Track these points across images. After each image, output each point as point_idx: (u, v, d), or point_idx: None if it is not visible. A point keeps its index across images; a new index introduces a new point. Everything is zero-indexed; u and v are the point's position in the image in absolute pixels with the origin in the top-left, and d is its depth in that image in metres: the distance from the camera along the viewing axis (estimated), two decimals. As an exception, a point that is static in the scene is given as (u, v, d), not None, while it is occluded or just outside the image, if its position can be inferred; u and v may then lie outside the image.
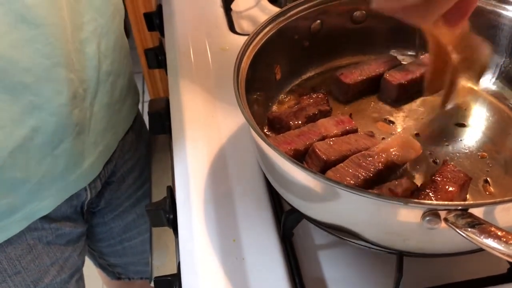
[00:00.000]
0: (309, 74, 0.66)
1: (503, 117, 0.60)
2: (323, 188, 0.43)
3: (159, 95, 1.79)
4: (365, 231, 0.44)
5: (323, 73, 0.66)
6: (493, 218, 0.39)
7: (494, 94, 0.62)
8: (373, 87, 0.63)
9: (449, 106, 0.58)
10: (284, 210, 0.56)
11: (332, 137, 0.54)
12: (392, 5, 0.42)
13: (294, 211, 0.50)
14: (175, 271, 0.59)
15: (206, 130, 0.65)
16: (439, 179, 0.47)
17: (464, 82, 0.62)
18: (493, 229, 0.35)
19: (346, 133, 0.55)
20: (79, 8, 0.59)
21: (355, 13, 0.65)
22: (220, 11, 0.87)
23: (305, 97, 0.60)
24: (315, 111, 0.58)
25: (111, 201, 0.83)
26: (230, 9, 0.88)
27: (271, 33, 0.58)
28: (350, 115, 0.59)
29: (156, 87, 1.79)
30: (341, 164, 0.50)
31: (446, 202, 0.38)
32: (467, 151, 0.55)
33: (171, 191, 0.64)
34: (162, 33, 0.89)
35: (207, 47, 0.79)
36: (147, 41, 1.65)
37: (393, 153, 0.51)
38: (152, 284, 0.59)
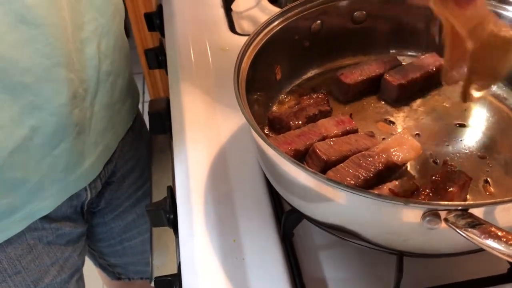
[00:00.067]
0: (309, 74, 0.66)
1: (503, 117, 0.60)
2: (323, 188, 0.43)
3: (159, 95, 1.79)
4: (366, 231, 0.44)
5: (323, 73, 0.66)
6: (493, 218, 0.39)
7: (494, 95, 0.62)
8: (374, 87, 0.63)
9: (468, 100, 0.58)
10: (284, 210, 0.56)
11: (332, 137, 0.54)
12: None
13: (294, 211, 0.50)
14: (175, 271, 0.59)
15: (207, 130, 0.65)
16: (439, 179, 0.47)
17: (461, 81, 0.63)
18: (493, 229, 0.35)
19: (346, 133, 0.55)
20: (79, 7, 0.59)
21: (355, 13, 0.65)
22: (221, 12, 0.87)
23: (305, 97, 0.60)
24: (315, 111, 0.58)
25: (111, 201, 0.83)
26: (231, 10, 0.88)
27: (272, 33, 0.58)
28: (351, 115, 0.59)
29: (156, 87, 1.79)
30: (342, 164, 0.50)
31: (446, 202, 0.38)
32: (467, 151, 0.55)
33: (171, 191, 0.64)
34: (162, 33, 0.89)
35: (208, 47, 0.79)
36: (147, 41, 1.65)
37: (394, 153, 0.51)
38: (152, 284, 0.59)
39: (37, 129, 0.56)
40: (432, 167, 0.54)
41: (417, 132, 0.58)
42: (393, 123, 0.60)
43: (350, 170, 0.49)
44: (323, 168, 0.51)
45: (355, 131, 0.56)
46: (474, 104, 0.61)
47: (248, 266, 0.51)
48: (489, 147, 0.55)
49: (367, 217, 0.43)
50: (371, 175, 0.49)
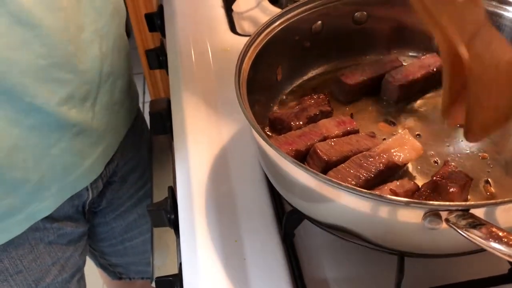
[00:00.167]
0: (310, 74, 0.66)
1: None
2: (324, 188, 0.43)
3: (160, 96, 1.79)
4: (366, 231, 0.44)
5: (324, 74, 0.66)
6: (494, 219, 0.39)
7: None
8: (374, 87, 0.63)
9: (473, 141, 0.49)
10: (286, 210, 0.56)
11: (333, 137, 0.54)
12: None
13: (295, 211, 0.50)
14: (176, 271, 0.59)
15: (207, 131, 0.65)
16: (440, 179, 0.47)
17: None
18: (494, 229, 0.35)
19: (347, 133, 0.55)
20: (81, 9, 0.59)
21: (356, 14, 0.65)
22: (221, 12, 0.87)
23: (306, 98, 0.60)
24: (316, 112, 0.58)
25: (113, 201, 0.83)
26: (231, 10, 0.88)
27: (272, 34, 0.58)
28: (351, 116, 0.59)
29: (157, 88, 1.79)
30: (342, 165, 0.50)
31: (447, 203, 0.38)
32: (468, 151, 0.55)
33: (172, 191, 0.64)
34: (163, 34, 0.89)
35: (208, 47, 0.79)
36: (148, 41, 1.65)
37: (394, 153, 0.51)
38: (153, 284, 0.59)
39: (34, 129, 0.56)
40: (433, 167, 0.54)
41: (418, 133, 0.58)
42: (394, 123, 0.60)
43: (351, 171, 0.49)
44: (324, 168, 0.51)
45: (356, 132, 0.56)
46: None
47: (249, 266, 0.51)
48: (489, 148, 0.55)
49: (368, 218, 0.43)
50: (372, 175, 0.49)
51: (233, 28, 0.83)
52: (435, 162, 0.54)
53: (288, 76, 0.64)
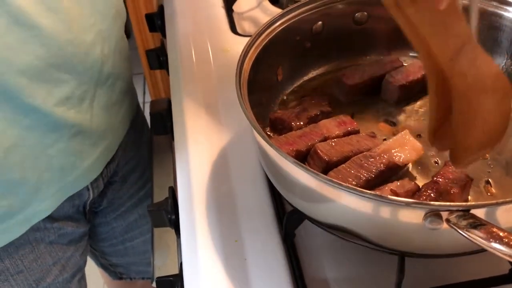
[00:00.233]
0: (311, 75, 0.66)
1: (504, 118, 0.60)
2: (325, 188, 0.43)
3: (160, 96, 1.79)
4: (367, 231, 0.45)
5: (325, 74, 0.66)
6: (494, 219, 0.39)
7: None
8: (375, 88, 0.63)
9: (461, 166, 0.45)
10: (286, 211, 0.56)
11: (334, 138, 0.54)
12: None
13: (296, 211, 0.50)
14: (176, 272, 0.59)
15: (208, 131, 0.65)
16: (440, 180, 0.48)
17: None
18: (495, 229, 0.35)
19: (348, 134, 0.55)
20: (82, 10, 0.59)
21: (356, 14, 0.65)
22: (222, 12, 0.87)
23: (307, 98, 0.60)
24: (317, 112, 0.58)
25: (113, 201, 0.83)
26: (232, 10, 0.88)
27: (273, 34, 0.58)
28: (352, 116, 0.59)
29: (157, 88, 1.79)
30: (343, 165, 0.50)
31: (448, 203, 0.38)
32: (468, 152, 0.55)
33: (172, 191, 0.65)
34: (163, 34, 0.89)
35: (209, 48, 0.79)
36: (148, 41, 1.65)
37: (395, 154, 0.51)
38: (154, 284, 0.59)
39: (31, 129, 0.56)
40: (434, 167, 0.54)
41: (419, 133, 0.58)
42: (394, 124, 0.60)
43: (352, 171, 0.49)
44: (325, 168, 0.51)
45: (356, 132, 0.56)
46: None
47: (250, 267, 0.51)
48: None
49: (369, 218, 0.43)
50: (373, 175, 0.49)
51: (233, 28, 0.83)
52: (436, 162, 0.54)
53: (288, 76, 0.64)
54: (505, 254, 0.34)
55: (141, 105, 0.89)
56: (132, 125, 0.79)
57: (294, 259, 0.52)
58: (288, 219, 0.51)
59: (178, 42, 0.81)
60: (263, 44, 0.57)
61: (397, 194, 0.47)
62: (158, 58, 0.88)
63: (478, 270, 0.50)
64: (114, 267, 0.97)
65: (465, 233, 0.36)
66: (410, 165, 0.53)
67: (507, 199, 0.38)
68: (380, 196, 0.40)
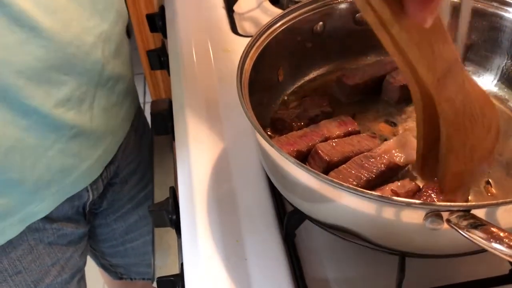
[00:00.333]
0: (311, 75, 0.66)
1: (505, 118, 0.60)
2: (325, 189, 0.43)
3: (161, 96, 1.79)
4: (368, 231, 0.45)
5: (325, 75, 0.66)
6: (495, 219, 0.39)
7: (495, 96, 0.62)
8: (376, 88, 0.63)
9: (450, 196, 0.43)
10: (287, 211, 0.56)
11: (334, 138, 0.54)
12: None
13: (296, 211, 0.50)
14: (177, 272, 0.59)
15: (209, 131, 0.65)
16: (441, 180, 0.48)
17: None
18: (495, 230, 0.35)
19: (348, 134, 0.55)
20: (83, 12, 0.59)
21: (357, 15, 0.65)
22: (222, 13, 0.87)
23: (307, 99, 0.60)
24: (317, 113, 0.58)
25: (114, 203, 0.83)
26: (232, 11, 0.88)
27: (274, 35, 0.58)
28: (353, 117, 0.59)
29: (157, 88, 1.79)
30: (344, 165, 0.50)
31: (448, 203, 0.38)
32: (469, 152, 0.55)
33: (173, 191, 0.65)
34: (164, 35, 0.89)
35: (210, 48, 0.79)
36: (149, 42, 1.65)
37: (395, 154, 0.51)
38: (154, 284, 0.59)
39: (30, 130, 0.56)
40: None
41: (419, 134, 0.58)
42: (395, 124, 0.60)
43: (352, 171, 0.49)
44: (326, 169, 0.51)
45: (357, 132, 0.56)
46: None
47: (251, 267, 0.51)
48: (490, 149, 0.56)
49: (369, 218, 0.43)
50: (373, 176, 0.49)
51: (234, 29, 0.83)
52: (436, 162, 0.54)
53: (289, 77, 0.64)
54: (506, 255, 0.34)
55: (142, 105, 0.89)
56: (133, 127, 0.79)
57: (294, 259, 0.52)
58: (289, 219, 0.52)
59: (179, 43, 0.81)
60: (264, 44, 0.57)
61: (397, 194, 0.47)
62: (159, 59, 0.88)
63: (479, 270, 0.50)
64: (115, 267, 0.97)
65: (465, 233, 0.36)
66: (410, 166, 0.54)
67: (508, 199, 0.38)
68: (381, 196, 0.40)
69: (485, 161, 0.43)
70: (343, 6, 0.63)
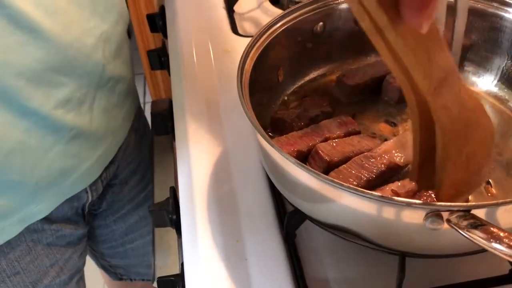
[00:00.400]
0: (311, 75, 0.66)
1: (505, 119, 0.60)
2: (326, 189, 0.43)
3: (161, 96, 1.79)
4: (368, 231, 0.45)
5: (325, 75, 0.66)
6: (495, 219, 0.39)
7: (496, 96, 0.62)
8: (376, 88, 0.63)
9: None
10: (287, 211, 0.56)
11: (335, 138, 0.54)
12: None
13: (297, 212, 0.50)
14: (177, 272, 0.59)
15: (209, 131, 0.65)
16: (441, 180, 0.48)
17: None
18: (495, 230, 0.35)
19: (348, 134, 0.55)
20: (83, 14, 0.59)
21: (357, 15, 0.65)
22: (223, 13, 0.87)
23: (308, 99, 0.60)
24: (317, 113, 0.58)
25: (113, 204, 0.83)
26: (233, 11, 0.88)
27: (274, 35, 0.58)
28: (353, 117, 0.59)
29: (158, 88, 1.79)
30: (344, 166, 0.50)
31: (448, 203, 0.38)
32: (469, 152, 0.55)
33: (174, 191, 0.65)
34: (165, 35, 0.90)
35: (210, 48, 0.79)
36: (149, 42, 1.65)
37: (396, 154, 0.51)
38: (155, 284, 0.59)
39: (30, 132, 0.56)
40: (434, 168, 0.54)
41: (419, 134, 0.58)
42: (395, 124, 0.60)
43: (353, 171, 0.49)
44: (326, 169, 0.51)
45: (357, 132, 0.56)
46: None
47: (251, 267, 0.51)
48: (490, 149, 0.56)
49: (370, 218, 0.43)
50: (374, 176, 0.49)
51: (234, 29, 0.83)
52: (436, 163, 0.55)
53: (289, 77, 0.64)
54: (505, 255, 0.34)
55: (142, 106, 0.89)
56: (133, 127, 0.79)
57: (295, 259, 0.52)
58: (289, 219, 0.52)
59: (179, 43, 0.81)
60: (264, 44, 0.57)
61: (398, 194, 0.47)
62: (160, 59, 0.88)
63: (479, 270, 0.50)
64: (114, 268, 0.97)
65: (465, 233, 0.36)
66: (410, 166, 0.54)
67: (508, 200, 0.38)
68: (381, 196, 0.40)
69: (481, 171, 0.43)
70: (343, 6, 0.63)
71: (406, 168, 0.53)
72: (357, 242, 0.47)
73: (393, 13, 0.32)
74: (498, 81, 0.63)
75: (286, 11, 0.60)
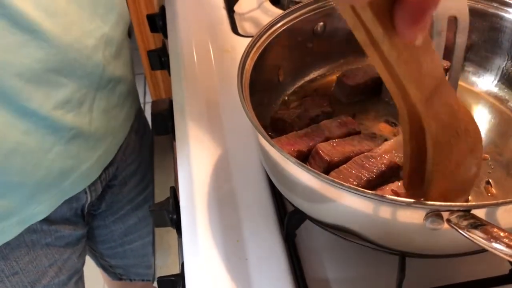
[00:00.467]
0: (312, 75, 0.66)
1: (505, 119, 0.60)
2: (326, 189, 0.43)
3: (161, 96, 1.79)
4: (368, 231, 0.45)
5: (326, 75, 0.66)
6: (495, 219, 0.39)
7: (496, 96, 0.62)
8: (376, 88, 0.63)
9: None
10: (287, 211, 0.56)
11: (335, 138, 0.54)
12: None
13: (297, 211, 0.50)
14: (177, 271, 0.59)
15: (209, 131, 0.65)
16: (441, 180, 0.48)
17: (462, 83, 0.62)
18: (495, 230, 0.35)
19: (349, 134, 0.55)
20: (83, 15, 0.59)
21: (357, 15, 0.65)
22: (223, 13, 0.87)
23: (308, 99, 0.60)
24: (318, 113, 0.58)
25: (112, 204, 0.83)
26: (233, 11, 0.88)
27: (275, 35, 0.58)
28: (353, 117, 0.59)
29: (158, 88, 1.80)
30: (344, 165, 0.50)
31: (448, 203, 0.38)
32: (469, 152, 0.55)
33: (174, 191, 0.65)
34: (165, 35, 0.90)
35: (210, 48, 0.79)
36: (149, 42, 1.65)
37: (396, 154, 0.51)
38: (155, 284, 0.59)
39: (29, 132, 0.56)
40: (434, 168, 0.54)
41: (419, 134, 0.58)
42: (395, 124, 0.60)
43: (353, 171, 0.49)
44: (326, 169, 0.51)
45: (357, 132, 0.56)
46: (475, 106, 0.62)
47: (251, 267, 0.51)
48: (490, 149, 0.56)
49: (370, 218, 0.43)
50: (374, 176, 0.49)
51: (234, 29, 0.83)
52: (436, 163, 0.54)
53: (290, 77, 0.64)
54: (506, 254, 0.34)
55: (142, 106, 0.89)
56: (133, 128, 0.79)
57: (295, 259, 0.52)
58: (289, 219, 0.52)
59: (179, 43, 0.81)
60: (264, 45, 0.57)
61: (398, 194, 0.47)
62: (160, 59, 0.88)
63: (479, 270, 0.50)
64: (114, 268, 0.97)
65: (465, 233, 0.36)
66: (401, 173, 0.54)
67: (508, 200, 0.38)
68: (381, 196, 0.40)
69: (469, 181, 0.44)
70: (343, 6, 0.63)
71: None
72: (357, 242, 0.47)
73: (388, 25, 0.33)
74: (498, 81, 0.63)
75: (287, 11, 0.60)
